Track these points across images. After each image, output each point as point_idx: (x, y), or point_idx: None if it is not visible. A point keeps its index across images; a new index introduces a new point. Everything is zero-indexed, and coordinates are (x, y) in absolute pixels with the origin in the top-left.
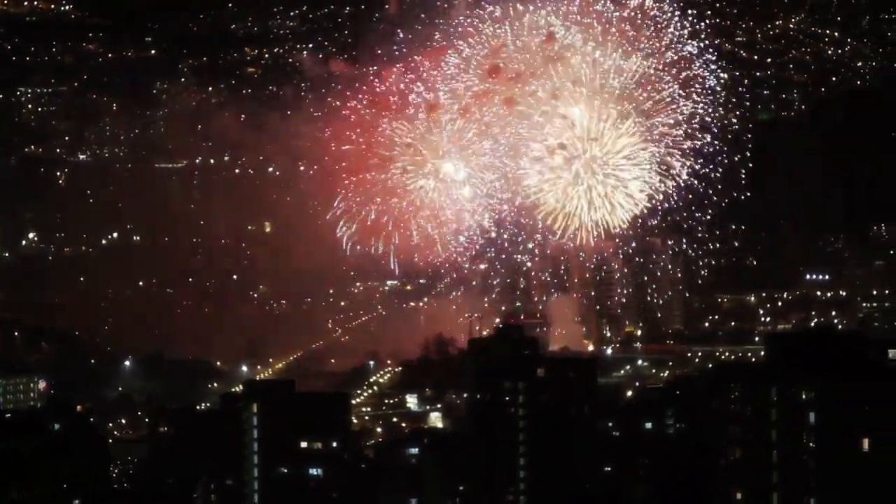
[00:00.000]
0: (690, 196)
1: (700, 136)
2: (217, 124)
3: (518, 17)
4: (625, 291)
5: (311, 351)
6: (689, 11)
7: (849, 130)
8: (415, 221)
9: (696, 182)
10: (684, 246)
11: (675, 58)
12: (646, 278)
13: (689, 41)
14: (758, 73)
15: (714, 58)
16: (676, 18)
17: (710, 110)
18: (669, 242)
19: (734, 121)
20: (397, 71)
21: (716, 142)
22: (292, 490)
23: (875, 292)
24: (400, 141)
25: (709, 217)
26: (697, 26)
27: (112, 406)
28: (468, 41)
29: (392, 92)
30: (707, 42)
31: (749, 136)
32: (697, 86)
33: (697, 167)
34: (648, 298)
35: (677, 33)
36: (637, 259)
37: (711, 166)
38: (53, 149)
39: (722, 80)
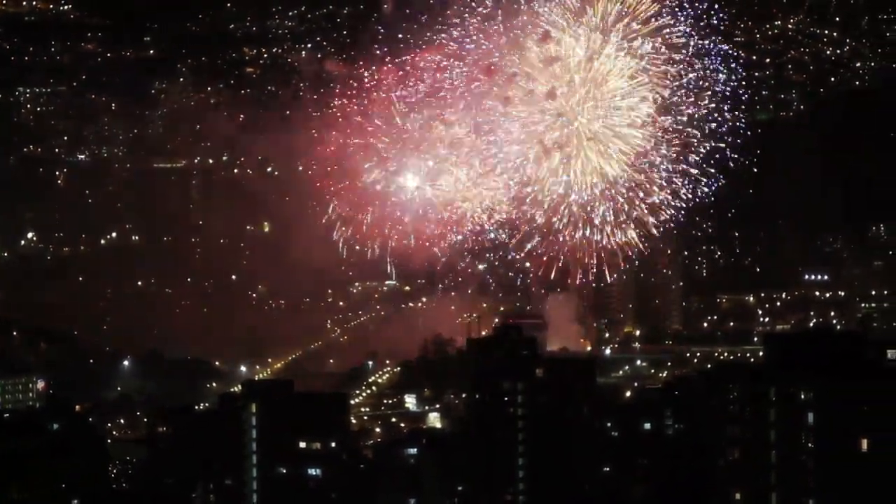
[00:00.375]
0: (694, 201)
1: (706, 138)
2: (215, 124)
3: (513, 15)
4: (624, 303)
5: (310, 351)
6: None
7: (848, 130)
8: (410, 224)
9: (701, 185)
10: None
11: (678, 57)
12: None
13: (692, 39)
14: (756, 74)
15: (730, 52)
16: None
17: (714, 113)
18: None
19: (740, 123)
20: (388, 71)
21: (720, 144)
22: (291, 490)
23: (874, 292)
24: (391, 141)
25: (708, 221)
26: (701, 23)
27: (111, 406)
28: (461, 40)
29: (384, 91)
30: (712, 42)
31: (749, 135)
32: (703, 86)
33: (711, 171)
34: (647, 298)
35: (681, 30)
36: (635, 259)
37: (715, 168)
38: (52, 149)
39: (732, 79)
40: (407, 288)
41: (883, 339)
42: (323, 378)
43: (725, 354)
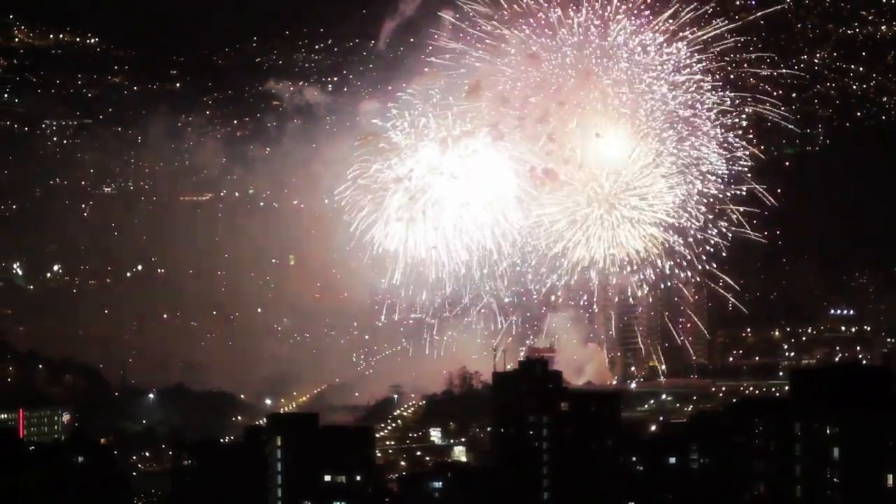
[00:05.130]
0: (717, 232)
1: (727, 172)
2: (242, 157)
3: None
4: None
5: (335, 384)
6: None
7: (874, 165)
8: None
9: (725, 218)
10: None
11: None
12: (667, 314)
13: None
14: (783, 108)
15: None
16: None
17: (736, 146)
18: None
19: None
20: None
21: (744, 177)
22: None
23: None
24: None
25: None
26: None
27: (136, 439)
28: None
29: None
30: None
31: (774, 170)
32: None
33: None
34: (672, 332)
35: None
36: (661, 293)
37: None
38: (78, 181)
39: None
40: (432, 321)
41: None
42: (348, 411)
43: (751, 389)
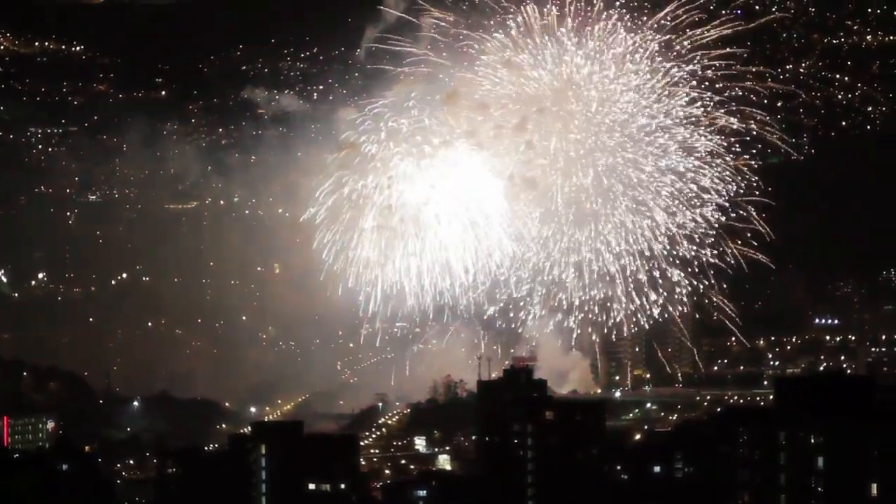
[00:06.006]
0: (702, 240)
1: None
2: (227, 165)
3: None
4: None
5: (320, 393)
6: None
7: (859, 174)
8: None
9: (708, 226)
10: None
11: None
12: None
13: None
14: (768, 118)
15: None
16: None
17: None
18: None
19: (746, 166)
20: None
21: (727, 186)
22: None
23: (884, 337)
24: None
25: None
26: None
27: (120, 446)
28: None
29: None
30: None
31: (759, 180)
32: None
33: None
34: (657, 341)
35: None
36: (646, 302)
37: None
38: (63, 189)
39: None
40: (417, 329)
41: (893, 384)
42: (333, 420)
43: (735, 398)
